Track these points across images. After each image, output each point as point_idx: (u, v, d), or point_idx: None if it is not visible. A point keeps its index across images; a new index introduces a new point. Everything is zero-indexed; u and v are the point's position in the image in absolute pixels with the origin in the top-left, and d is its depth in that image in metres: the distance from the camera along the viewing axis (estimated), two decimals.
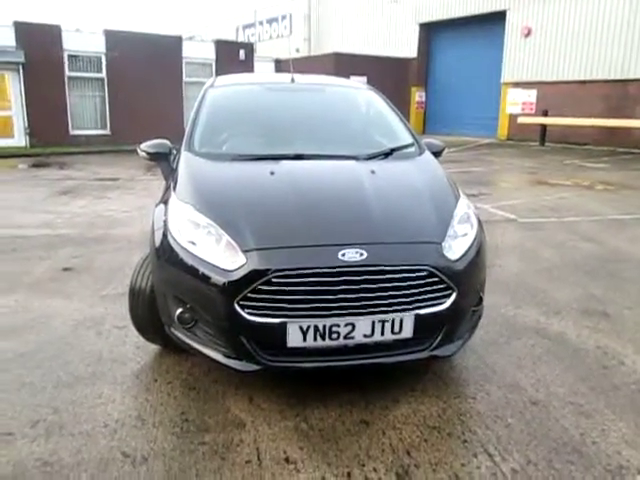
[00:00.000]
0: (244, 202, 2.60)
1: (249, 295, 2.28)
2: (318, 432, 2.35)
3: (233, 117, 3.58)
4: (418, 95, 20.82)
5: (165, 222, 2.64)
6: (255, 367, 2.36)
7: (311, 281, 2.26)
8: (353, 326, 2.33)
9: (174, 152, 3.47)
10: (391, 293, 2.33)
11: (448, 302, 2.43)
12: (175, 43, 14.64)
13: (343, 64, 18.22)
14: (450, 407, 2.54)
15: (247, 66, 16.15)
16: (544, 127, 16.14)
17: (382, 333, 2.37)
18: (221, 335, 2.40)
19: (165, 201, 2.92)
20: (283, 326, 2.29)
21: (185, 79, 14.88)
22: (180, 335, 2.54)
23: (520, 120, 16.97)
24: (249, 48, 16.24)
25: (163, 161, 3.50)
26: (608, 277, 4.36)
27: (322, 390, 2.64)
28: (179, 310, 2.49)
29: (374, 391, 2.65)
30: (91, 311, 3.60)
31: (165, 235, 2.59)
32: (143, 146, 3.53)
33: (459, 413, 2.50)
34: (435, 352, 2.50)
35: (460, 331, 2.59)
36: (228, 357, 2.40)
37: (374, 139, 3.52)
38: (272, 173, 2.86)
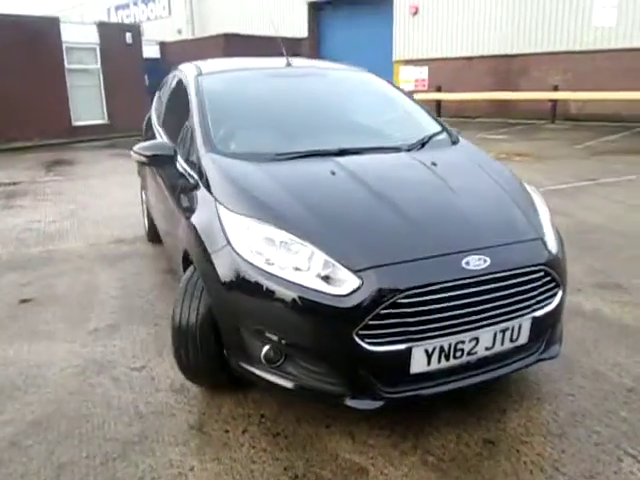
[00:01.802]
0: (323, 211, 2.22)
1: (369, 322, 1.95)
2: (450, 462, 2.09)
3: (244, 109, 3.10)
4: None
5: (228, 242, 2.17)
6: (378, 403, 2.03)
7: (440, 297, 1.98)
8: (477, 340, 2.09)
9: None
10: (513, 299, 2.12)
11: (556, 300, 2.28)
12: (51, 26, 12.98)
13: (234, 46, 17.42)
14: (559, 409, 2.41)
15: (135, 50, 14.84)
16: (439, 102, 16.80)
17: (502, 342, 2.16)
18: (332, 371, 2.03)
19: (197, 215, 2.45)
20: (408, 351, 1.99)
21: (68, 66, 13.29)
22: (265, 375, 2.13)
23: (415, 97, 17.49)
24: (136, 31, 14.89)
25: (166, 166, 2.95)
26: (594, 249, 4.52)
27: (421, 412, 2.38)
28: (266, 347, 2.08)
29: (474, 405, 2.43)
30: (87, 352, 2.97)
31: (232, 259, 2.14)
32: (138, 148, 2.95)
33: (571, 414, 2.37)
34: (543, 355, 2.34)
35: (559, 329, 2.45)
36: (340, 395, 2.05)
37: (400, 126, 3.25)
38: (333, 173, 2.49)
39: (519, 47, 15.60)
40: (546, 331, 2.31)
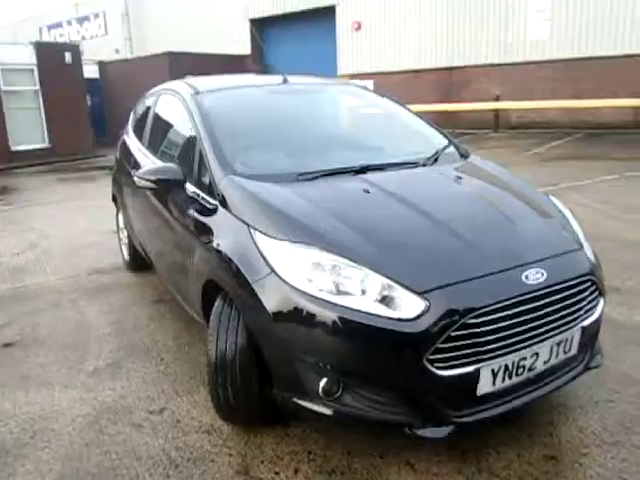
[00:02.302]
0: (369, 231, 2.11)
1: (439, 346, 1.86)
2: None
3: (252, 128, 2.95)
4: None
5: (272, 270, 2.03)
6: (448, 429, 1.94)
7: (505, 315, 1.92)
8: (537, 355, 2.04)
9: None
10: (567, 310, 2.09)
11: (599, 308, 2.28)
12: None
13: (178, 64, 17.10)
14: (604, 417, 2.40)
15: (75, 70, 14.26)
16: None
17: (557, 355, 2.13)
18: (398, 399, 1.92)
19: (224, 242, 2.30)
20: (477, 373, 1.91)
21: (4, 88, 12.57)
22: (321, 409, 1.99)
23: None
24: (75, 50, 14.29)
25: (173, 190, 2.76)
26: None
27: (471, 433, 2.30)
28: (324, 380, 1.95)
29: (520, 420, 2.39)
30: (95, 398, 2.72)
31: (279, 288, 2.00)
32: (144, 173, 2.76)
33: (617, 421, 2.36)
34: (590, 365, 2.33)
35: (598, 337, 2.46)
36: (407, 425, 1.94)
37: (408, 140, 3.20)
38: (367, 191, 2.40)
39: (461, 60, 16.15)
40: (591, 340, 2.30)
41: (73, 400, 2.72)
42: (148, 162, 3.40)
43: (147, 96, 4.25)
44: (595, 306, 2.25)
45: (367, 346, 1.89)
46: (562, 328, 2.08)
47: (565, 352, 2.15)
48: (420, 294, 1.88)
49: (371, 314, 1.88)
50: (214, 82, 3.44)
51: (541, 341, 2.03)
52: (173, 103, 3.36)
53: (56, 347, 3.29)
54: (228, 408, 2.26)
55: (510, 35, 15.43)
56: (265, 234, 2.13)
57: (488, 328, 1.89)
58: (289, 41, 19.69)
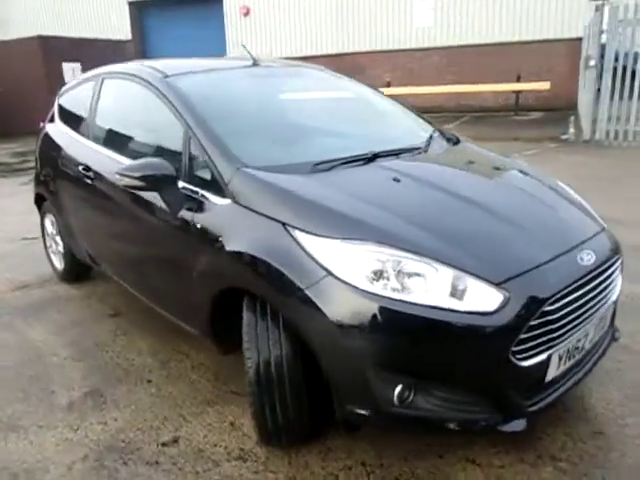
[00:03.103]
0: (422, 222, 1.96)
1: (521, 337, 1.78)
2: (583, 463, 2.03)
3: (242, 115, 2.63)
4: None
5: (328, 272, 1.82)
6: (524, 421, 1.87)
7: (571, 298, 1.89)
8: (587, 334, 2.06)
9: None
10: (608, 288, 2.13)
11: (620, 282, 2.36)
12: None
13: (51, 49, 15.50)
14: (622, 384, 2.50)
15: None
16: None
17: (598, 332, 2.17)
18: (479, 396, 1.83)
19: (248, 243, 2.04)
20: (548, 359, 1.87)
21: None
22: (393, 417, 1.84)
23: None
24: None
25: (164, 188, 2.40)
26: None
27: None
28: (399, 386, 1.79)
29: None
30: (86, 436, 2.30)
31: (342, 291, 1.79)
32: (127, 170, 2.37)
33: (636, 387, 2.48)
34: (614, 337, 2.40)
35: None
36: (486, 421, 1.85)
37: (396, 124, 3.08)
38: (397, 180, 2.24)
39: (353, 46, 16.38)
40: (614, 315, 2.37)
41: (59, 443, 2.29)
42: (107, 160, 2.93)
43: (79, 82, 3.71)
44: (617, 283, 2.32)
45: (448, 345, 1.77)
46: (604, 305, 2.12)
47: (602, 328, 2.20)
48: (497, 285, 1.79)
49: (448, 310, 1.75)
50: (174, 65, 3.05)
51: (590, 320, 2.04)
52: (131, 89, 2.93)
53: (8, 381, 2.77)
54: (276, 429, 2.02)
55: (398, 23, 15.94)
56: (310, 232, 1.90)
57: (560, 314, 1.85)
58: (173, 27, 18.68)
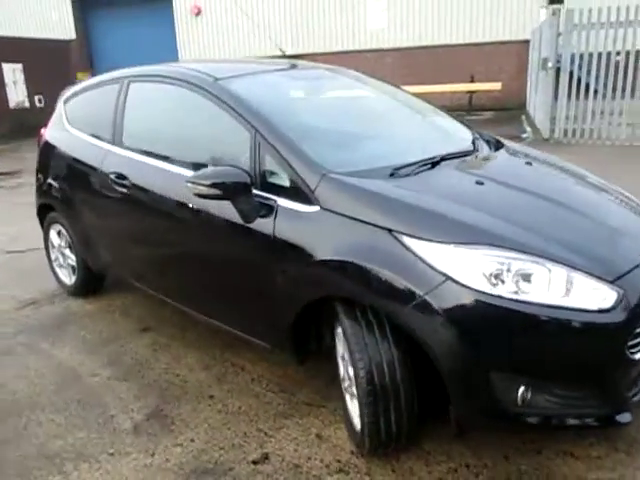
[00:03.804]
0: (522, 223, 1.98)
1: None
2: None
3: (307, 119, 2.58)
4: None
5: (448, 277, 1.80)
6: (629, 414, 1.93)
7: None
8: None
9: None
10: None
11: None
12: None
13: None
14: None
15: None
16: None
17: None
18: (592, 391, 1.87)
19: (347, 249, 2.00)
20: None
21: None
22: (515, 418, 1.86)
23: None
24: None
25: (239, 197, 2.29)
26: None
27: None
28: (522, 387, 1.81)
29: None
30: (167, 460, 2.18)
31: (464, 296, 1.78)
32: (201, 177, 2.26)
33: None
34: None
35: None
36: (601, 415, 1.90)
37: (439, 128, 3.09)
38: (480, 183, 2.26)
39: (310, 48, 16.39)
40: None
41: (139, 470, 2.16)
42: (152, 169, 2.77)
43: (91, 86, 3.51)
44: None
45: (567, 343, 1.80)
46: None
47: None
48: (611, 282, 1.84)
49: (566, 308, 1.78)
50: (215, 67, 2.94)
51: None
52: (172, 93, 2.81)
53: (58, 406, 2.58)
54: (388, 438, 1.99)
55: (352, 24, 16.09)
56: (421, 238, 1.88)
57: None
58: (120, 26, 18.03)
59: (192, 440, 2.31)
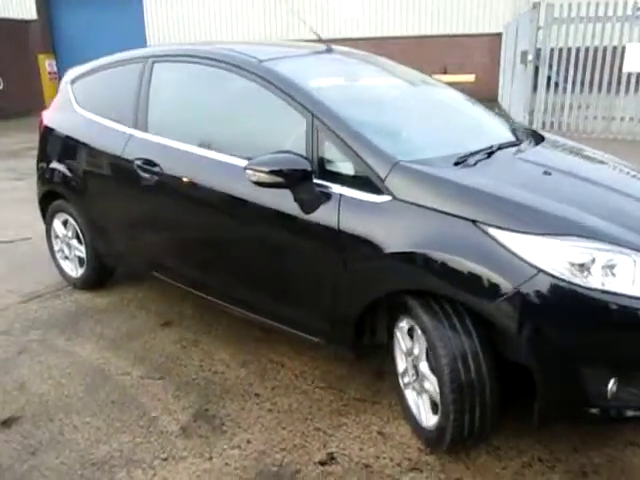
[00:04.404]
0: (600, 214, 1.95)
1: None
2: None
3: (361, 105, 2.46)
4: (48, 64, 17.51)
5: (539, 269, 1.75)
6: None
7: None
8: None
9: None
10: None
11: None
12: None
13: None
14: None
15: None
16: None
17: None
18: None
19: (423, 241, 1.93)
20: None
21: None
22: (606, 410, 1.83)
23: None
24: None
25: (299, 186, 2.17)
26: None
27: None
28: (612, 379, 1.79)
29: None
30: (226, 463, 2.06)
31: (556, 288, 1.73)
32: (261, 164, 2.13)
33: None
34: None
35: None
36: None
37: (479, 116, 3.01)
38: (548, 173, 2.22)
39: (283, 34, 16.13)
40: None
41: (199, 475, 2.02)
42: (189, 156, 2.60)
43: (102, 66, 3.28)
44: None
45: None
46: None
47: None
48: None
49: None
50: (253, 49, 2.78)
51: None
52: (209, 75, 2.65)
53: (92, 409, 2.41)
54: (469, 433, 1.93)
55: (327, 12, 15.92)
56: (509, 229, 1.82)
57: None
58: (86, 8, 17.26)
59: (249, 441, 2.19)
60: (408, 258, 1.96)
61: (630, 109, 9.39)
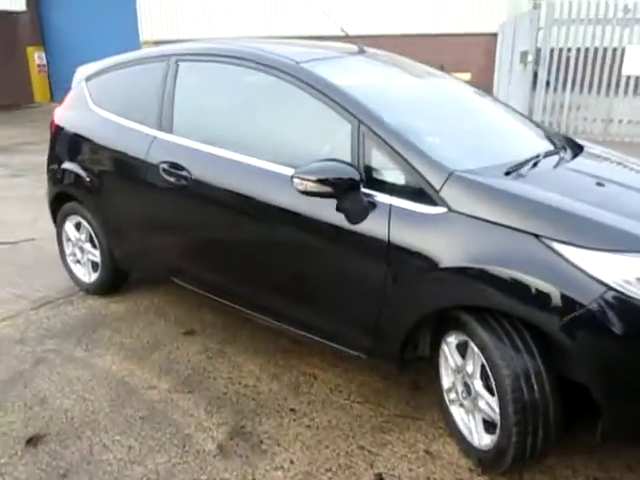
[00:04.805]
0: None
1: None
2: None
3: (405, 111, 2.37)
4: (37, 57, 17.15)
5: (608, 286, 1.67)
6: None
7: None
8: None
9: None
10: None
11: None
12: None
13: None
14: None
15: None
16: None
17: None
18: None
19: (490, 256, 1.85)
20: None
21: None
22: None
23: None
24: None
25: (346, 196, 2.07)
26: None
27: None
28: None
29: None
30: None
31: (625, 306, 1.66)
32: (311, 173, 2.04)
33: None
34: None
35: None
36: None
37: (520, 125, 2.91)
38: (601, 184, 2.15)
39: (279, 30, 15.94)
40: None
41: None
42: (220, 162, 2.48)
43: (121, 65, 3.14)
44: None
45: None
46: None
47: None
48: None
49: None
50: (287, 50, 2.66)
51: None
52: (242, 76, 2.54)
53: (121, 426, 2.29)
54: (531, 454, 1.86)
55: (309, 10, 15.75)
56: (575, 245, 1.75)
57: None
58: (79, 1, 16.91)
59: (292, 462, 2.10)
60: (467, 273, 1.87)
61: (629, 112, 9.44)
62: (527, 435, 1.80)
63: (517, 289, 1.79)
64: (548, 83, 9.78)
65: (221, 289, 2.73)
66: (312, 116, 2.33)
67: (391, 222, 2.02)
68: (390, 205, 2.04)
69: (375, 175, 2.12)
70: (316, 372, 2.66)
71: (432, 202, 1.97)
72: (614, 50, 9.18)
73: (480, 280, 1.86)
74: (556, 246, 1.77)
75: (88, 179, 3.15)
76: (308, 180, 2.03)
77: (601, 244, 1.75)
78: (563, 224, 1.81)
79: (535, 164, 2.24)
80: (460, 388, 2.10)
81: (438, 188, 1.97)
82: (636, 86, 9.24)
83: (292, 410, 2.40)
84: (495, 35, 14.31)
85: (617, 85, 9.27)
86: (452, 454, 2.13)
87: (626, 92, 9.27)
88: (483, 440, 1.99)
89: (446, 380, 2.19)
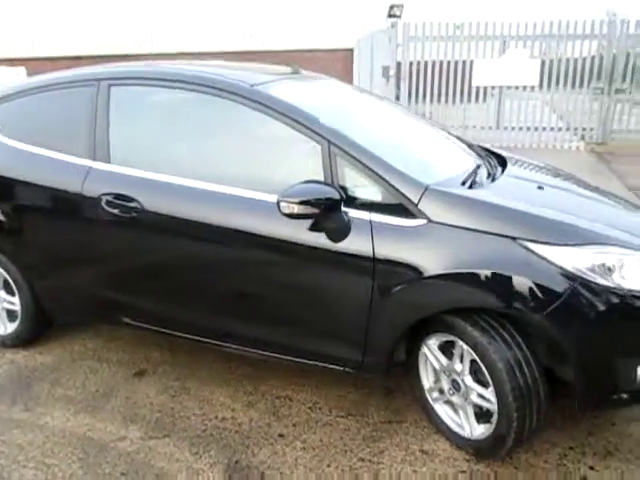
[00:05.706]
0: (606, 222, 2.19)
1: None
2: None
3: (361, 131, 2.43)
4: None
5: (578, 277, 1.92)
6: None
7: None
8: None
9: None
10: None
11: None
12: None
13: None
14: None
15: None
16: None
17: None
18: None
19: (478, 262, 2.02)
20: None
21: None
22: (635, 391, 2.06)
23: None
24: None
25: (327, 216, 2.11)
26: None
27: None
28: (639, 367, 2.03)
29: None
30: None
31: (599, 294, 1.93)
32: (294, 196, 2.05)
33: None
34: None
35: None
36: None
37: (448, 139, 3.12)
38: (541, 188, 2.44)
39: (141, 47, 15.27)
40: None
41: None
42: (176, 190, 2.37)
43: (38, 89, 2.83)
44: None
45: None
46: None
47: None
48: None
49: None
50: (227, 72, 2.61)
51: None
52: (188, 100, 2.46)
53: None
54: (528, 436, 2.05)
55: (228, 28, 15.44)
56: (546, 243, 1.98)
57: None
58: None
59: None
60: (454, 278, 2.02)
61: (479, 118, 10.58)
62: (525, 419, 1.99)
63: (501, 287, 1.98)
64: (398, 97, 10.60)
65: (188, 324, 2.60)
66: (274, 138, 2.33)
67: (374, 237, 2.10)
68: (370, 221, 2.12)
69: (350, 193, 2.19)
70: (289, 393, 2.64)
71: (411, 215, 2.09)
72: (464, 63, 10.26)
73: (467, 283, 2.01)
74: (530, 245, 1.98)
75: (1, 219, 2.81)
76: (292, 203, 2.03)
77: (567, 240, 1.99)
78: (530, 226, 2.03)
79: (491, 175, 2.49)
80: (447, 386, 2.24)
81: (416, 202, 2.09)
82: (485, 95, 10.41)
83: (281, 435, 2.36)
84: (351, 50, 15.22)
85: (469, 94, 10.37)
86: (446, 449, 2.26)
87: (477, 100, 10.40)
88: (476, 431, 2.15)
89: (426, 381, 2.33)
